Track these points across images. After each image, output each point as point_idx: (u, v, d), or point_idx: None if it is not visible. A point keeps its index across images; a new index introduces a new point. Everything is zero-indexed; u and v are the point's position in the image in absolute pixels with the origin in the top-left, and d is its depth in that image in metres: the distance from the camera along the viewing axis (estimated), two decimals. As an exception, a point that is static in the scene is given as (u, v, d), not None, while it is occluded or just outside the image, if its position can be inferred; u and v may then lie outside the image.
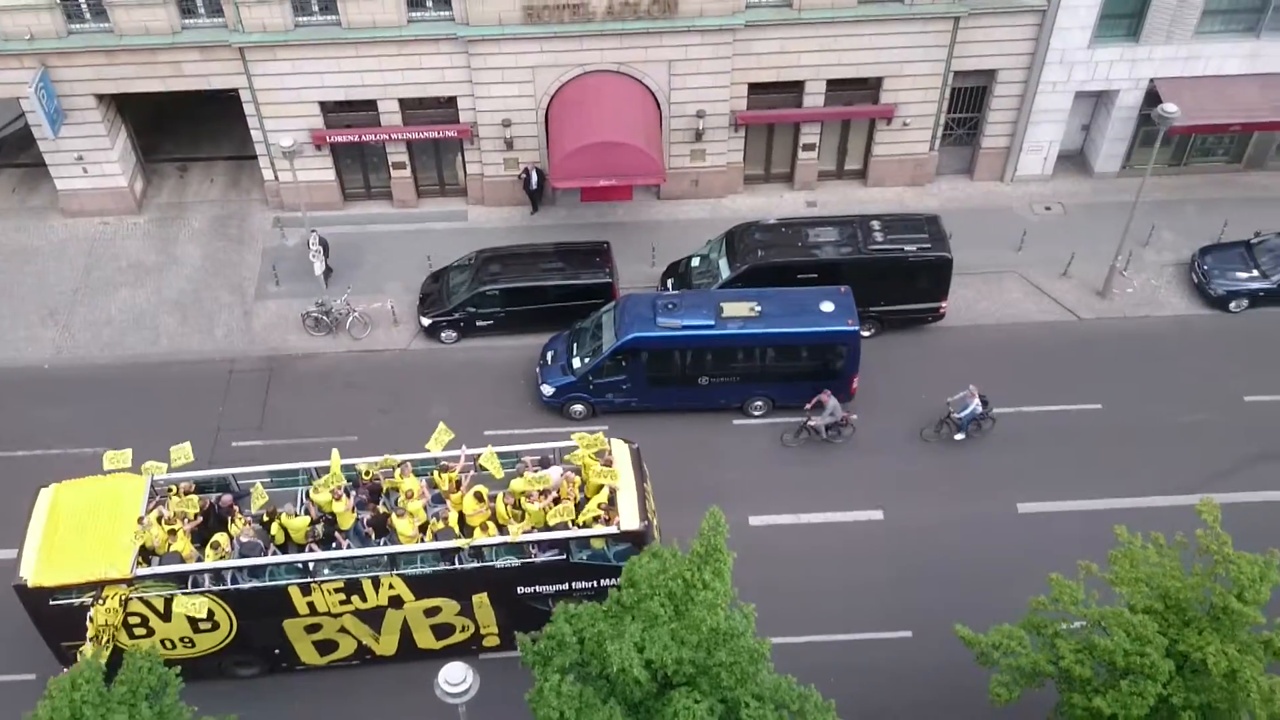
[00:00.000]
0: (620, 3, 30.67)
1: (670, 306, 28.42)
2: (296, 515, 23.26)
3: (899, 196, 35.21)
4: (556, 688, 17.74)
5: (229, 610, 23.01)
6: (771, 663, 18.76)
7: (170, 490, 23.62)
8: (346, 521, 23.31)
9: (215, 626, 23.28)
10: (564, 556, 23.13)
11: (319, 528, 23.11)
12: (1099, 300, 32.47)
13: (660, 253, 33.21)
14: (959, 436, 28.56)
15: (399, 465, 23.83)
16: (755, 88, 33.20)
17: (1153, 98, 33.03)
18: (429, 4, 31.22)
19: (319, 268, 32.19)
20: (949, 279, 30.60)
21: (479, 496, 23.29)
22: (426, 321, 31.46)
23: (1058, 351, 31.19)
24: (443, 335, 31.56)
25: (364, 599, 23.26)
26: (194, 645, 23.65)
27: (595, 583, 23.45)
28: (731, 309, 28.28)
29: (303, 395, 30.43)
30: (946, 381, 29.56)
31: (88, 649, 21.55)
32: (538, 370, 29.99)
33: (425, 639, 24.29)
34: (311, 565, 22.70)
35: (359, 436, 28.09)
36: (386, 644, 24.37)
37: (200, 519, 23.33)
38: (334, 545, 23.03)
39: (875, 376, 29.62)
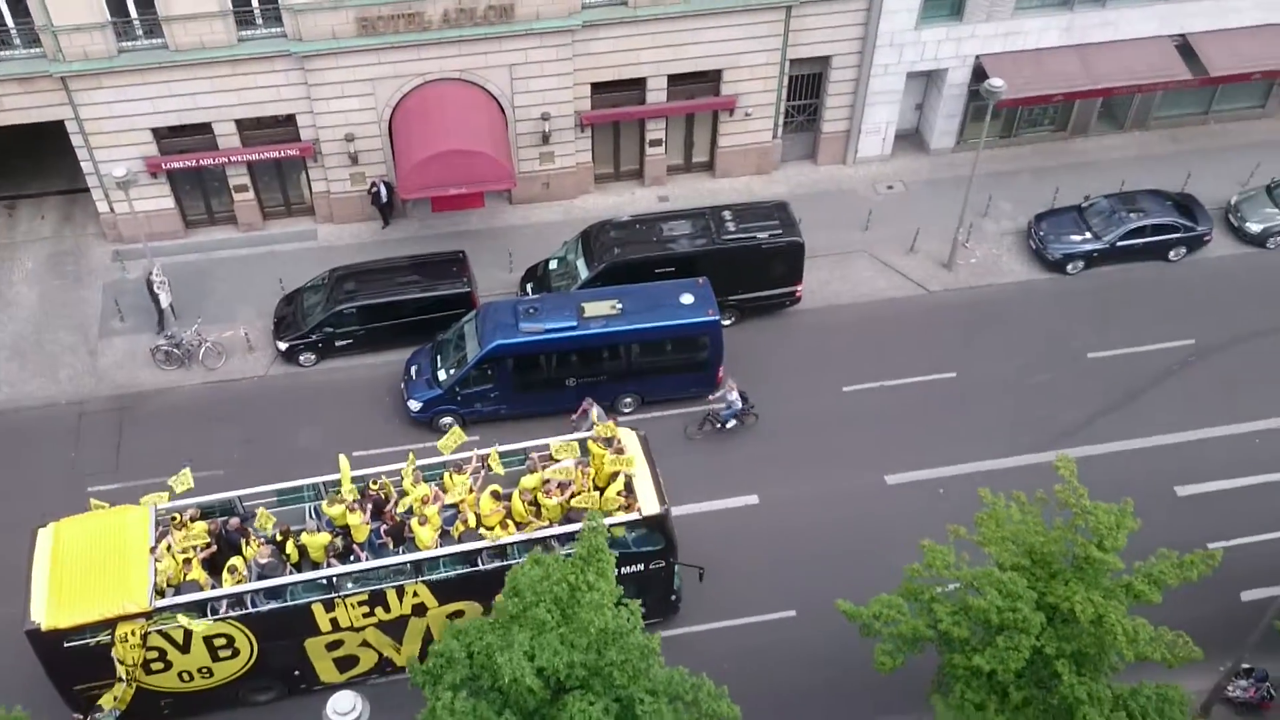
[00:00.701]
0: (456, 9, 30.42)
1: (532, 311, 28.36)
2: (314, 532, 22.88)
3: (747, 185, 35.81)
4: (449, 705, 17.58)
5: (250, 634, 22.44)
6: (662, 657, 18.90)
7: (174, 519, 22.93)
8: (361, 534, 23.02)
9: (235, 653, 22.75)
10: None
11: (338, 541, 22.87)
12: (945, 272, 33.58)
13: (517, 258, 33.10)
14: (731, 425, 28.91)
15: (412, 472, 23.53)
16: (598, 87, 33.34)
17: (979, 74, 34.31)
18: (259, 21, 30.46)
19: (165, 299, 31.07)
20: (802, 263, 31.27)
21: (496, 495, 23.22)
22: (283, 346, 30.72)
23: (911, 324, 32.16)
24: (301, 359, 30.86)
25: (387, 609, 22.98)
26: (212, 675, 23.09)
27: (616, 571, 23.02)
28: (593, 309, 28.36)
29: (160, 432, 29.39)
30: (808, 363, 30.24)
31: (115, 691, 21.37)
32: (403, 386, 29.59)
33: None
34: (334, 580, 22.38)
35: (224, 470, 27.30)
36: (408, 653, 23.74)
37: (212, 546, 22.73)
38: (352, 558, 22.80)
39: (739, 363, 30.07)
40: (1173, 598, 19.62)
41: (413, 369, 29.69)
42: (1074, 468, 20.28)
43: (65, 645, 21.52)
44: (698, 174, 36.28)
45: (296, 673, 23.87)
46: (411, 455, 24.18)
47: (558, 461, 23.88)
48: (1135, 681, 19.93)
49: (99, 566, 21.93)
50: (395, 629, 23.46)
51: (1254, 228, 34.41)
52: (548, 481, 23.33)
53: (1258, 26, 35.35)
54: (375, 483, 23.76)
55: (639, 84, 33.54)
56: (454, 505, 23.52)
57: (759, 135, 35.35)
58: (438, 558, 22.67)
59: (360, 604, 22.73)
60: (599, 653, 17.90)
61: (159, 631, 21.82)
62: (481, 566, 22.84)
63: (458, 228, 34.37)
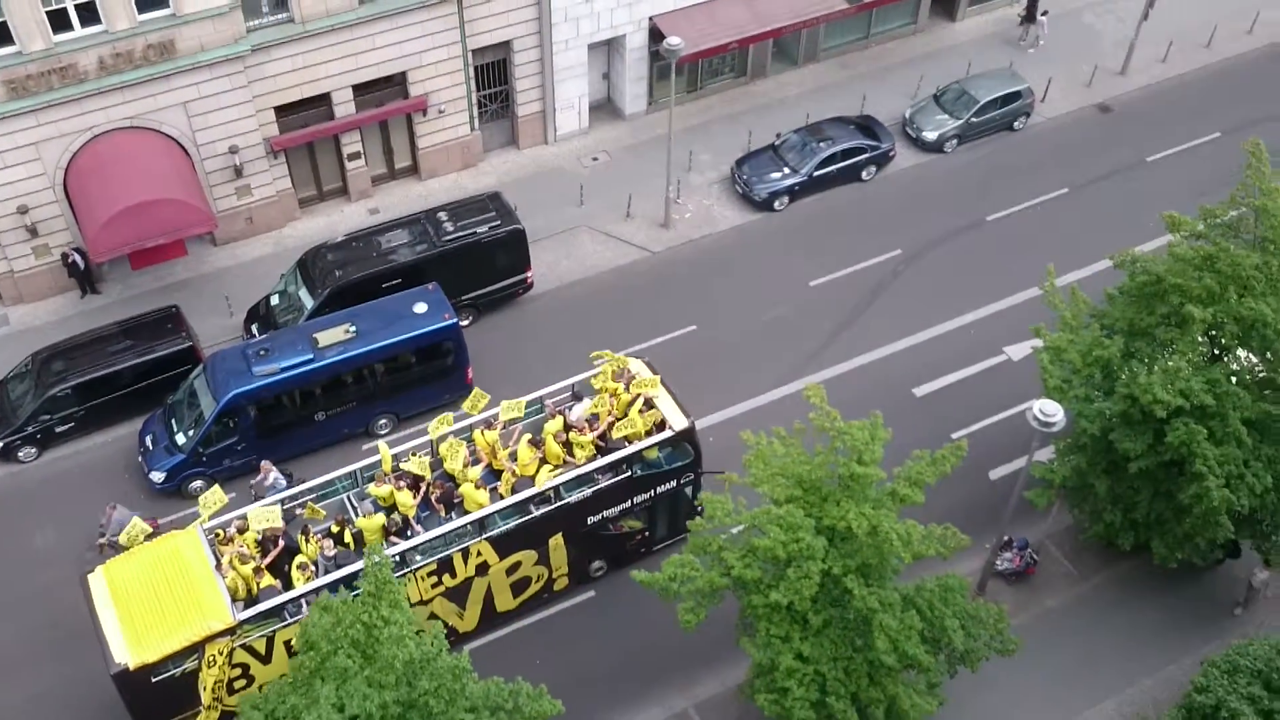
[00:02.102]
0: (112, 55, 28.56)
1: (263, 353, 27.20)
2: (368, 515, 23.18)
3: (456, 182, 35.48)
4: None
5: None
6: (474, 672, 18.69)
7: (218, 535, 22.74)
8: (410, 508, 23.34)
9: None
10: (629, 474, 24.14)
11: (396, 516, 23.23)
12: (665, 231, 34.41)
13: (235, 300, 31.63)
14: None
15: (443, 440, 24.14)
16: (283, 110, 32.14)
17: (657, 35, 35.14)
18: (-111, 103, 27.71)
19: None
20: (527, 249, 31.31)
21: (533, 443, 24.03)
22: (-3, 445, 28.30)
23: (644, 287, 32.82)
24: (20, 455, 28.47)
25: (454, 575, 23.43)
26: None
27: (652, 491, 24.78)
28: (326, 337, 27.48)
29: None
30: (551, 345, 30.39)
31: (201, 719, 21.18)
32: (141, 459, 27.83)
33: (505, 600, 24.47)
34: (405, 555, 22.59)
35: (-44, 593, 25.01)
36: (470, 618, 24.45)
37: (276, 548, 22.61)
38: (410, 533, 23.08)
39: (486, 361, 29.90)
40: (932, 493, 20.92)
41: (148, 439, 27.95)
42: (823, 393, 21.27)
43: (153, 680, 21.05)
44: (404, 179, 35.65)
45: None
46: (438, 421, 24.55)
47: (574, 405, 25.11)
48: (917, 578, 21.26)
49: (167, 595, 21.50)
50: (460, 594, 23.89)
51: (930, 135, 36.92)
52: (571, 424, 24.33)
53: (896, -51, 37.81)
54: (414, 456, 23.88)
55: (325, 100, 32.56)
56: (488, 464, 24.22)
57: (457, 130, 35.04)
58: (496, 513, 23.24)
59: (429, 575, 23.13)
60: (410, 685, 17.52)
61: (243, 645, 21.58)
62: (536, 513, 23.64)
63: (164, 281, 32.48)
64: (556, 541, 24.34)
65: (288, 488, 25.35)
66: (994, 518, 25.36)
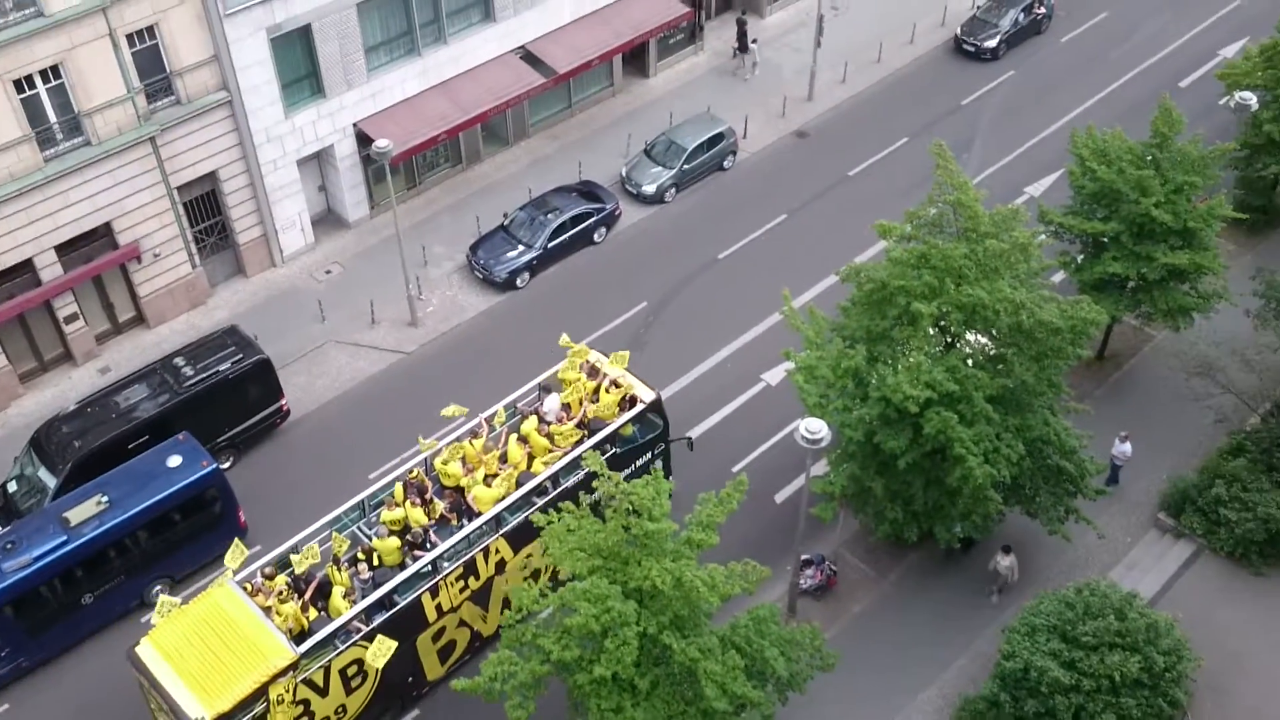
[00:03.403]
0: None
1: (9, 546, 25.23)
2: (382, 538, 24.28)
3: (189, 324, 34.07)
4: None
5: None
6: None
7: (248, 588, 23.21)
8: (423, 519, 24.62)
9: (363, 678, 23.46)
10: (611, 452, 25.66)
11: (417, 530, 24.38)
12: (414, 330, 34.11)
13: (-33, 497, 29.24)
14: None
15: (437, 451, 25.75)
16: (-19, 286, 30.20)
17: (365, 139, 35.00)
18: None
19: None
20: (275, 377, 30.38)
21: (521, 439, 25.83)
22: None
23: (406, 389, 32.38)
24: None
25: (478, 576, 24.52)
26: (345, 712, 23.68)
27: (633, 466, 26.49)
28: (78, 514, 25.77)
29: None
30: (327, 469, 29.52)
31: None
32: (-109, 691, 25.26)
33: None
34: (436, 563, 23.80)
35: None
36: (492, 620, 25.34)
37: (302, 593, 23.61)
38: (429, 545, 24.15)
39: (256, 502, 28.72)
40: (726, 530, 21.42)
41: (-103, 666, 25.41)
42: (600, 459, 21.49)
43: None
44: (132, 331, 33.98)
45: (410, 678, 24.60)
46: (423, 442, 26.20)
47: (541, 402, 26.79)
48: (730, 617, 21.66)
49: (221, 647, 22.14)
50: (483, 596, 24.98)
51: (649, 189, 38.17)
52: (544, 418, 26.16)
53: (578, 20, 39.06)
54: (412, 474, 25.42)
55: (27, 266, 30.74)
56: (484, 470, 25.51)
57: (178, 271, 33.73)
58: (506, 509, 24.48)
59: (457, 580, 24.21)
60: None
61: (304, 681, 22.35)
62: (539, 502, 24.80)
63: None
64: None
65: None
66: (788, 539, 26.17)
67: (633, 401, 26.72)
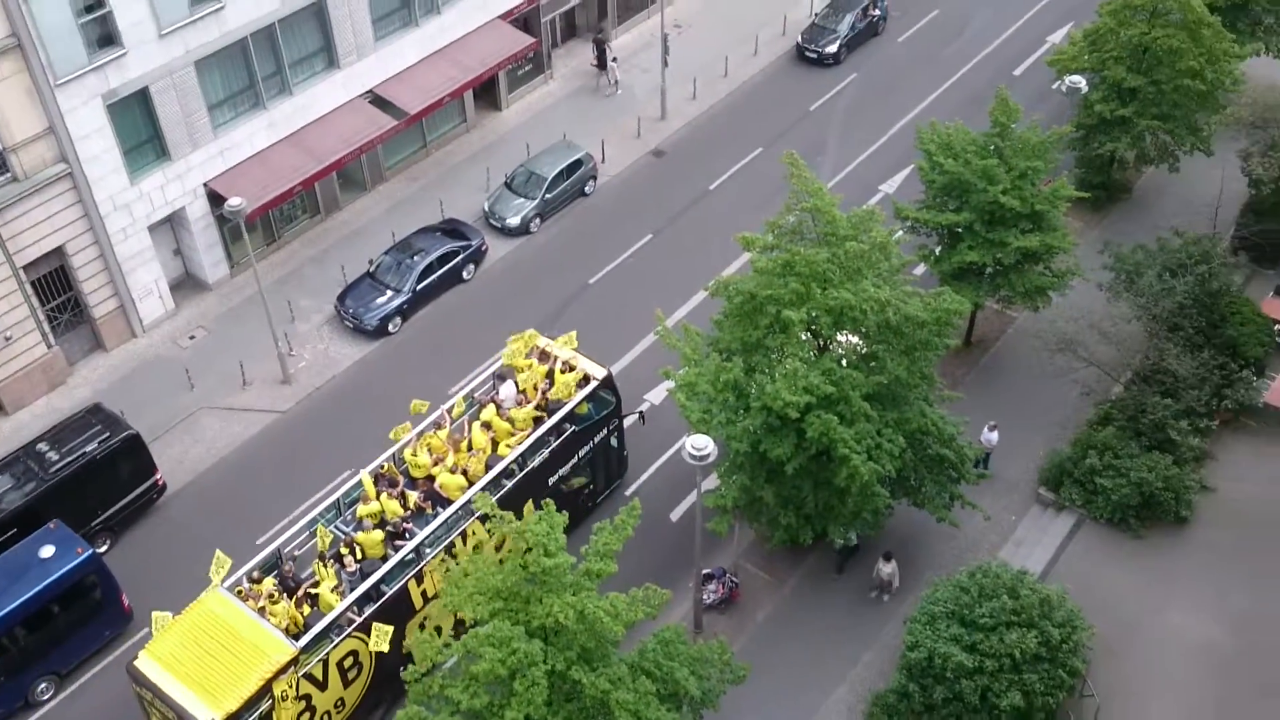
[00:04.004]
0: None
1: (-124, 662, 23.94)
2: (366, 531, 24.97)
3: (49, 406, 32.69)
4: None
5: (365, 640, 23.62)
6: None
7: (239, 593, 23.66)
8: (398, 510, 25.36)
9: (359, 669, 24.06)
10: (571, 430, 27.07)
11: (395, 523, 25.13)
12: (288, 387, 33.37)
13: None
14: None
15: (407, 442, 26.56)
16: None
17: (217, 199, 34.20)
18: None
19: None
20: (147, 452, 29.41)
21: (485, 426, 26.71)
22: None
23: (285, 448, 31.63)
24: None
25: (456, 561, 24.42)
26: (344, 705, 24.25)
27: (590, 443, 27.94)
28: (-51, 617, 24.58)
29: None
30: (210, 540, 28.63)
31: None
32: None
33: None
34: (419, 550, 24.59)
35: None
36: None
37: (289, 593, 23.99)
38: (407, 535, 24.88)
39: (143, 580, 27.72)
40: (626, 555, 21.40)
41: None
42: (490, 500, 21.34)
43: None
44: (-13, 421, 32.58)
45: (402, 669, 22.95)
46: (396, 431, 26.75)
47: (496, 391, 27.58)
48: (638, 643, 21.66)
49: (221, 650, 22.57)
50: None
51: (513, 221, 38.07)
52: (501, 405, 27.09)
53: (424, 59, 38.82)
54: (383, 468, 26.12)
55: None
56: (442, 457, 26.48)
57: (32, 353, 32.39)
58: (480, 490, 24.66)
59: (441, 563, 24.72)
60: None
61: (305, 675, 22.84)
62: (507, 485, 25.90)
63: None
64: (528, 509, 24.78)
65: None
66: (687, 556, 26.28)
67: (586, 380, 27.66)
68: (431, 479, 26.22)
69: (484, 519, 24.62)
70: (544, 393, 27.30)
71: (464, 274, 36.51)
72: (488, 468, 26.05)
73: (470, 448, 26.59)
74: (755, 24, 46.77)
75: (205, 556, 27.73)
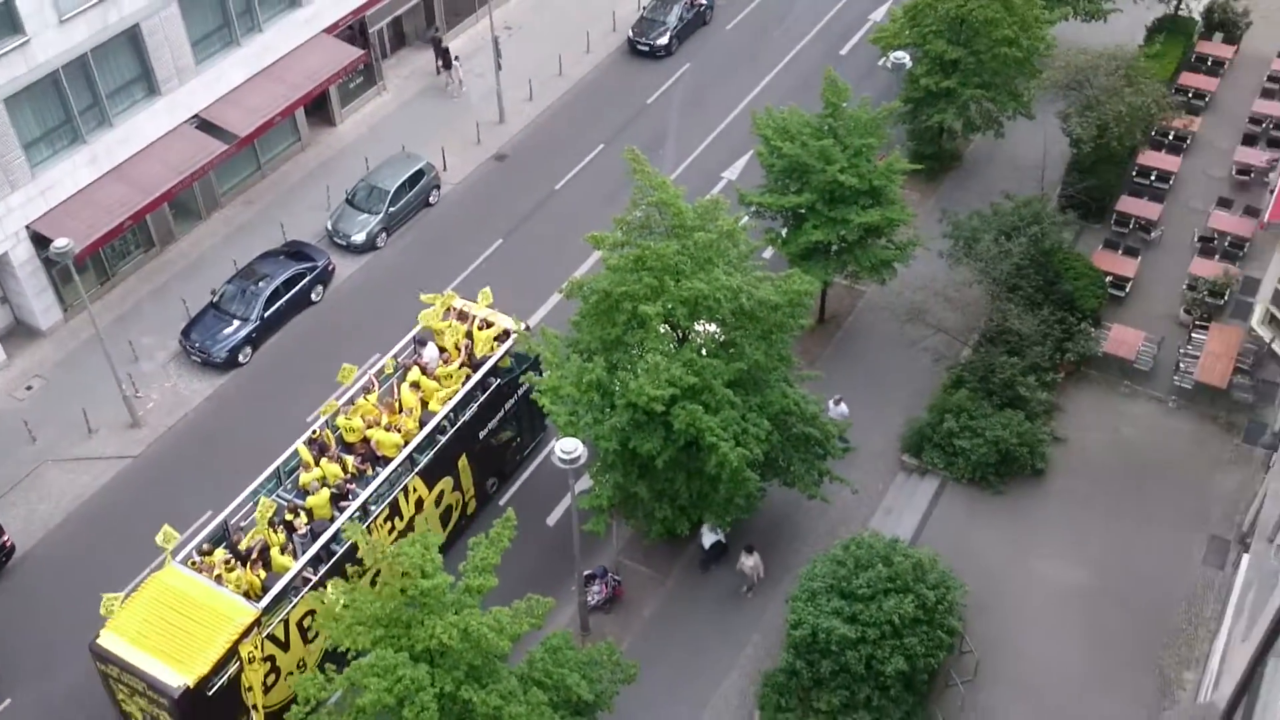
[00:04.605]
0: None
1: None
2: (315, 493, 25.60)
3: (-125, 476, 30.84)
4: None
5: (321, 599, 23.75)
6: None
7: (193, 564, 24.04)
8: (337, 473, 26.10)
9: (316, 631, 24.06)
10: (496, 383, 28.07)
11: (340, 484, 25.91)
12: (138, 430, 32.07)
13: None
14: None
15: (338, 410, 27.25)
16: None
17: (41, 240, 32.64)
18: None
19: None
20: (-9, 514, 28.00)
21: (414, 385, 27.60)
22: None
23: (140, 494, 30.37)
24: None
25: (401, 516, 26.38)
26: (305, 666, 24.50)
27: (515, 396, 28.71)
28: None
29: None
30: (68, 603, 27.39)
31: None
32: None
33: (438, 535, 23.81)
34: (366, 507, 25.49)
35: None
36: None
37: (242, 560, 24.45)
38: (350, 497, 25.71)
39: (3, 651, 26.40)
40: (506, 566, 21.16)
41: None
42: (361, 529, 20.90)
43: (209, 695, 22.21)
44: None
45: None
46: (329, 404, 27.44)
47: (419, 355, 28.51)
48: (525, 653, 21.53)
49: (184, 619, 22.99)
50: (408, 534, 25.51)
51: (358, 238, 37.35)
52: (427, 367, 27.98)
53: (250, 80, 37.73)
54: (315, 434, 26.82)
55: None
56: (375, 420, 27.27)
57: None
58: (416, 448, 26.40)
59: (385, 521, 25.93)
60: None
61: (268, 637, 23.49)
62: (442, 440, 27.04)
63: None
64: (464, 463, 27.74)
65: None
66: (568, 560, 26.20)
67: (505, 335, 28.60)
68: (367, 441, 26.99)
69: (425, 475, 26.76)
70: (468, 350, 28.27)
71: (313, 296, 35.66)
72: (422, 424, 26.89)
73: (401, 409, 27.40)
74: (585, 21, 46.81)
75: (61, 618, 26.73)
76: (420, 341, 28.97)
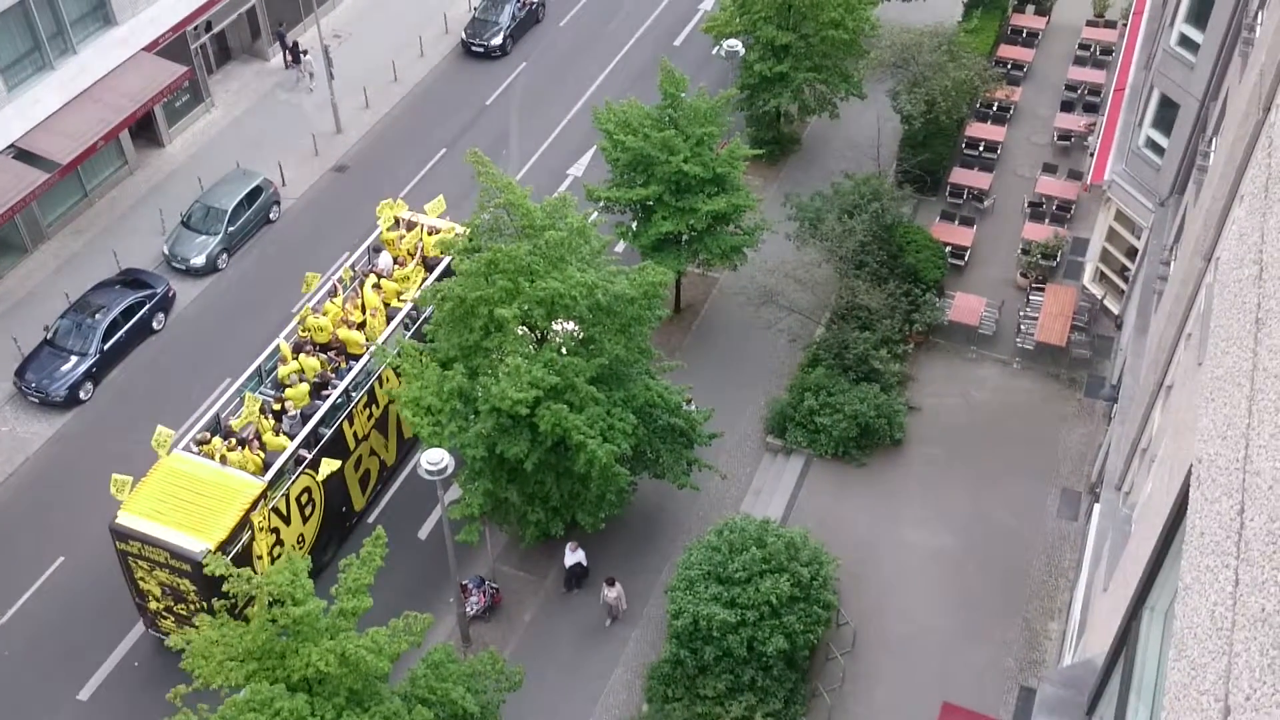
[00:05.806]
0: None
1: None
2: (294, 386, 27.63)
3: None
4: None
5: (314, 476, 26.32)
6: None
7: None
8: (315, 366, 28.11)
9: (313, 505, 26.63)
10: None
11: (321, 374, 27.88)
12: (-25, 480, 30.43)
13: None
14: None
15: (308, 316, 29.04)
16: None
17: None
18: None
19: None
20: None
21: (376, 287, 29.74)
22: None
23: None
24: None
25: (377, 404, 28.24)
26: (304, 541, 26.52)
27: None
28: None
29: None
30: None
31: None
32: None
33: (407, 428, 26.83)
34: (349, 393, 27.40)
35: None
36: (391, 448, 29.49)
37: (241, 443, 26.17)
38: (331, 386, 27.75)
39: None
40: (380, 585, 20.81)
41: None
42: (225, 561, 20.22)
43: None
44: None
45: (344, 508, 27.96)
46: (304, 311, 29.14)
47: (375, 264, 30.75)
48: (407, 671, 21.16)
49: (196, 495, 24.66)
50: (383, 424, 28.69)
51: (198, 261, 36.09)
52: (383, 274, 30.10)
53: (67, 104, 36.06)
54: (303, 330, 28.90)
55: None
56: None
57: None
58: (388, 339, 27.90)
59: (365, 407, 27.81)
60: None
61: (273, 509, 25.24)
62: (409, 330, 28.71)
63: None
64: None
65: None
66: (443, 571, 25.90)
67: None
68: (336, 336, 28.91)
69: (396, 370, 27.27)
70: (421, 251, 30.54)
71: (154, 324, 34.33)
72: (389, 320, 28.91)
73: (365, 309, 29.34)
74: (416, 25, 46.17)
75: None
76: (375, 250, 31.34)
